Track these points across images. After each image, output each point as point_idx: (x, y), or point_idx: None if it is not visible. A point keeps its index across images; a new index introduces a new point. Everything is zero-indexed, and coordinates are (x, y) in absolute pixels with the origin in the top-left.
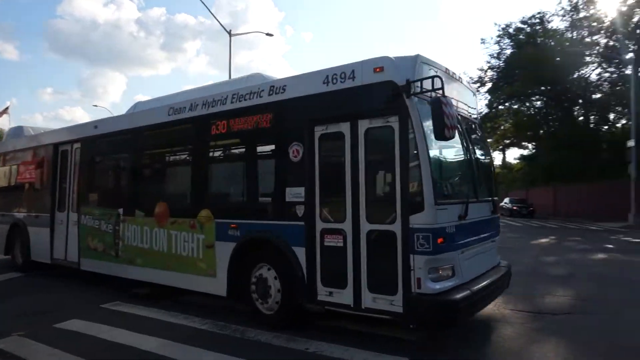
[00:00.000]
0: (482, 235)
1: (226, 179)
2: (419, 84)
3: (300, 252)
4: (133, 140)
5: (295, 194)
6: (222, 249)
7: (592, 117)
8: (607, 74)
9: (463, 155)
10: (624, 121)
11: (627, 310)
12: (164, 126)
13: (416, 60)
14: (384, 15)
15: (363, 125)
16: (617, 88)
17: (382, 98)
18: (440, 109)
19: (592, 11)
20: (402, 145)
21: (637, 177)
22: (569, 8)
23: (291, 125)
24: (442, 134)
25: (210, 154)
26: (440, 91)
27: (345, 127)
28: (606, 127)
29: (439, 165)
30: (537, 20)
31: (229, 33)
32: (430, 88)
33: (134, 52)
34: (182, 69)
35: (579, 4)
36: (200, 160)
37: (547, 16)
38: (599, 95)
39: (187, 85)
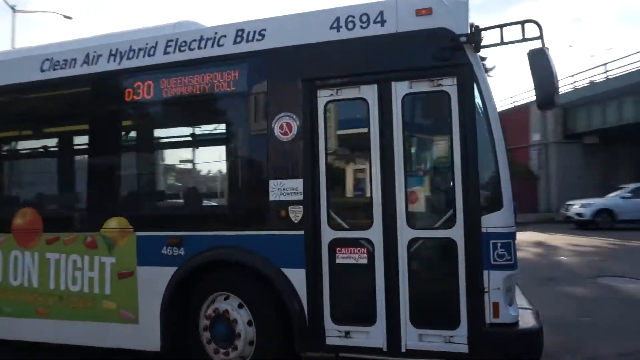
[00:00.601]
0: None
1: (155, 170)
2: (483, 35)
3: (297, 276)
4: None
5: (286, 189)
6: (149, 277)
7: None
8: None
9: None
10: None
11: None
12: (34, 88)
13: (467, 5)
14: None
15: (400, 89)
16: None
17: (430, 52)
18: (550, 63)
19: None
20: (464, 118)
21: None
22: None
23: (275, 90)
24: (550, 100)
25: (124, 132)
26: (539, 41)
27: (369, 92)
28: None
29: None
30: None
31: (13, 9)
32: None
33: None
34: None
35: None
36: (104, 141)
37: None
38: None
39: None
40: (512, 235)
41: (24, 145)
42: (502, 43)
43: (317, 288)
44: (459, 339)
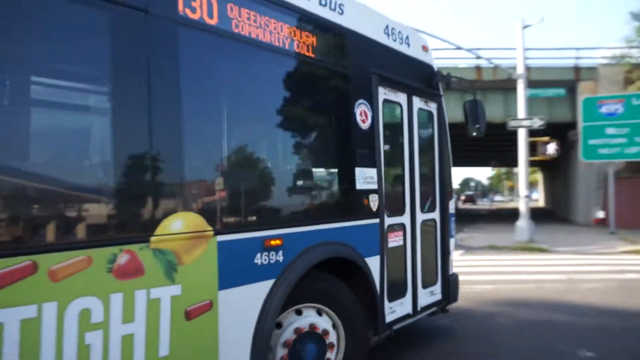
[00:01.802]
0: None
1: (237, 148)
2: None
3: (374, 265)
4: None
5: (368, 177)
6: (236, 305)
7: None
8: None
9: None
10: None
11: None
12: None
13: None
14: None
15: (416, 103)
16: None
17: (427, 80)
18: (482, 108)
19: None
20: (439, 133)
21: None
22: None
23: (356, 73)
24: (481, 131)
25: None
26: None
27: (402, 99)
28: None
29: None
30: None
31: None
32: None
33: None
34: None
35: None
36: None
37: None
38: None
39: None
40: (456, 215)
41: None
42: (459, 88)
43: (382, 273)
44: (436, 290)
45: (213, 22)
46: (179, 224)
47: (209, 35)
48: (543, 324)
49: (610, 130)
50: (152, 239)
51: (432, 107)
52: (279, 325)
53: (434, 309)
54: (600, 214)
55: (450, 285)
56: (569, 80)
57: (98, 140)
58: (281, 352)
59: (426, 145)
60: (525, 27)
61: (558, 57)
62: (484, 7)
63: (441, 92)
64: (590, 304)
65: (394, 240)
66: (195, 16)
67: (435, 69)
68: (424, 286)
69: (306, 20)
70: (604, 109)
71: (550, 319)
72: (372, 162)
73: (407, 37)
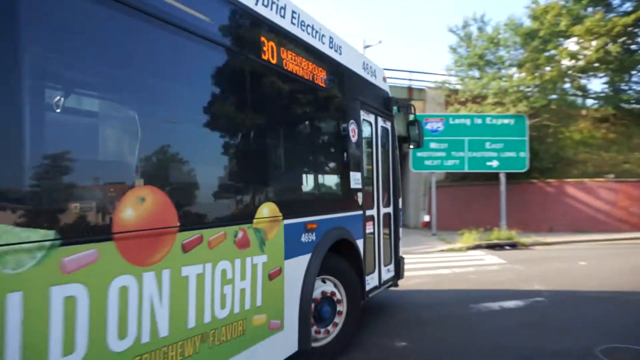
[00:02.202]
0: None
1: (289, 150)
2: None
3: (360, 246)
4: None
5: (356, 179)
6: (292, 271)
7: None
8: None
9: None
10: None
11: None
12: None
13: None
14: None
15: (379, 122)
16: None
17: (386, 104)
18: (422, 126)
19: None
20: (392, 147)
21: None
22: None
23: (348, 99)
24: (420, 145)
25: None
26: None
27: (372, 119)
28: None
29: None
30: None
31: None
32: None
33: None
34: None
35: None
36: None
37: None
38: None
39: None
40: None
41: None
42: (406, 112)
43: (364, 253)
44: (391, 268)
45: (274, 61)
46: (266, 211)
47: (272, 69)
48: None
49: (433, 145)
50: (254, 221)
51: (388, 125)
52: None
53: (390, 283)
54: (426, 218)
55: (400, 264)
56: (404, 99)
57: (239, 158)
58: (312, 305)
59: (385, 155)
60: (366, 47)
61: (394, 77)
62: (331, 25)
63: (393, 113)
64: (407, 298)
65: (369, 228)
66: (265, 57)
67: (390, 95)
68: (384, 265)
69: (324, 59)
70: (428, 126)
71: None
72: (358, 168)
73: (374, 70)
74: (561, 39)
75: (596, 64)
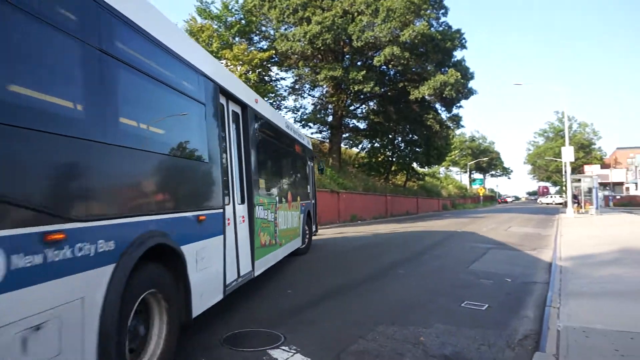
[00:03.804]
0: None
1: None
2: None
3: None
4: None
5: (310, 191)
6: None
7: None
8: None
9: None
10: None
11: None
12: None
13: None
14: None
15: (310, 163)
16: None
17: (310, 153)
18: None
19: None
20: (312, 173)
21: None
22: None
23: (307, 156)
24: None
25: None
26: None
27: (310, 162)
28: None
29: None
30: None
31: None
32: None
33: None
34: None
35: None
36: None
37: None
38: None
39: None
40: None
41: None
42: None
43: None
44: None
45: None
46: (305, 195)
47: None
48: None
49: None
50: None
51: (310, 164)
52: None
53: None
54: None
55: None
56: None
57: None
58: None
59: (310, 178)
60: None
61: None
62: None
63: (313, 156)
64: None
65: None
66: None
67: (311, 148)
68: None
69: (298, 141)
70: None
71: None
72: (309, 184)
73: (305, 137)
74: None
75: None
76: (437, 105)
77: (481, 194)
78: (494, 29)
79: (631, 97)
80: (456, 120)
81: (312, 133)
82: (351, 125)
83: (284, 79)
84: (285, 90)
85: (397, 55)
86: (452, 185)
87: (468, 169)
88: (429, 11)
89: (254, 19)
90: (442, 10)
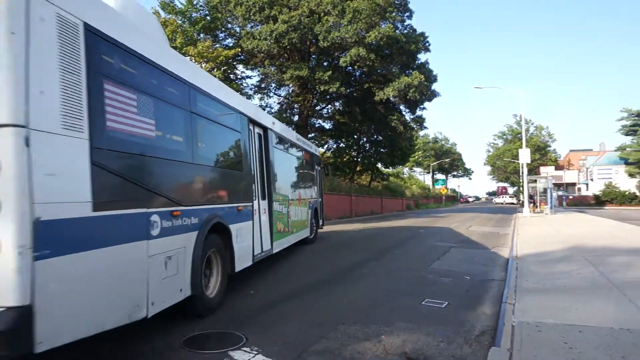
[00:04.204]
0: None
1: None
2: None
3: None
4: None
5: (318, 191)
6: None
7: None
8: None
9: None
10: None
11: None
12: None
13: None
14: None
15: (317, 168)
16: None
17: (319, 159)
18: (328, 168)
19: None
20: (320, 176)
21: None
22: None
23: (316, 162)
24: (327, 174)
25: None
26: None
27: (318, 168)
28: None
29: None
30: None
31: None
32: None
33: None
34: None
35: None
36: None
37: None
38: None
39: None
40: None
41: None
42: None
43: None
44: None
45: (283, 147)
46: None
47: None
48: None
49: None
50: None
51: (318, 168)
52: None
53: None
54: None
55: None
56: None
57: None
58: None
59: (317, 180)
60: None
61: None
62: None
63: (320, 162)
64: None
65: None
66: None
67: (318, 155)
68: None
69: (306, 150)
70: None
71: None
72: (316, 185)
73: (313, 146)
74: None
75: None
76: (402, 107)
77: (443, 194)
78: (457, 33)
79: (583, 103)
80: (420, 121)
81: None
82: (317, 126)
83: (249, 77)
84: (251, 89)
85: (362, 56)
86: (415, 185)
87: (431, 170)
88: (394, 14)
89: (219, 15)
90: (407, 13)
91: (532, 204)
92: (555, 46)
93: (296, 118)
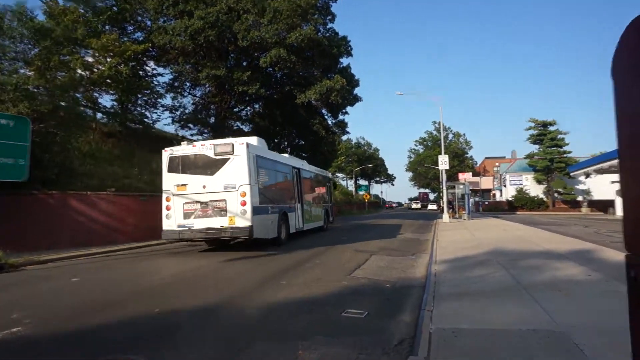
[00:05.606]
0: None
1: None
2: None
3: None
4: None
5: (329, 202)
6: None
7: None
8: None
9: None
10: None
11: None
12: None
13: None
14: None
15: (328, 184)
16: None
17: (329, 178)
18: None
19: None
20: (330, 190)
21: None
22: None
23: (327, 181)
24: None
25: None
26: None
27: (329, 183)
28: None
29: None
30: None
31: None
32: None
33: None
34: None
35: None
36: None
37: None
38: None
39: None
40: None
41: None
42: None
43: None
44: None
45: (307, 176)
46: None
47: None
48: None
49: None
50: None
51: (329, 184)
52: None
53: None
54: None
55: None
56: None
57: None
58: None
59: (328, 192)
60: None
61: None
62: None
63: (330, 180)
64: None
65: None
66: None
67: (330, 176)
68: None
69: (321, 175)
70: None
71: None
72: (330, 198)
73: (326, 170)
74: (78, 47)
75: (108, 80)
76: (324, 111)
77: (367, 200)
78: (379, 39)
79: (498, 112)
80: (342, 126)
81: (192, 135)
82: (235, 128)
83: (161, 75)
84: (162, 88)
85: (283, 57)
86: (338, 191)
87: (354, 175)
88: (316, 16)
89: (128, 7)
90: (329, 17)
91: (451, 210)
92: (472, 59)
93: (212, 120)
